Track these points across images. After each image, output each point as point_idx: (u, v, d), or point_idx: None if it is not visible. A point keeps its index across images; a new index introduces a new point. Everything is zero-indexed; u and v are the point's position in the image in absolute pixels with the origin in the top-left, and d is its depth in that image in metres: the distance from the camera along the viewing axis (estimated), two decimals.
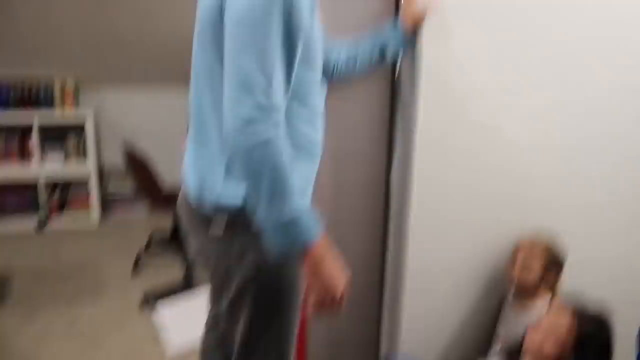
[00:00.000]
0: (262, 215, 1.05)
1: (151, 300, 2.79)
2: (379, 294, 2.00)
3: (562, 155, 1.83)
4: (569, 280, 1.83)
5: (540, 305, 1.81)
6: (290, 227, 1.04)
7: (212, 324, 1.56)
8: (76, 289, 2.93)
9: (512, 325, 1.86)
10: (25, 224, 3.69)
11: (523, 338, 1.63)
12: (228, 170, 1.17)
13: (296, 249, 1.06)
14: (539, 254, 1.77)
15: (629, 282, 2.01)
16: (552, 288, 1.83)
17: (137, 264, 3.21)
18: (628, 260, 1.98)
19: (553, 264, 1.79)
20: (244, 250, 1.20)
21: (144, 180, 3.08)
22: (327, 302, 1.12)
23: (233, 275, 1.24)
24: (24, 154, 3.67)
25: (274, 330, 1.30)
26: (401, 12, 1.63)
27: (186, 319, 2.66)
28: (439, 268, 1.84)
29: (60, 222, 3.79)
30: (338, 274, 1.12)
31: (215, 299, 1.44)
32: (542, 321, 1.56)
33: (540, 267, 1.76)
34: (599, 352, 1.51)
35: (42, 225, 3.69)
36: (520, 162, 1.81)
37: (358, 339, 2.03)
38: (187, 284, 2.98)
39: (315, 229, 1.07)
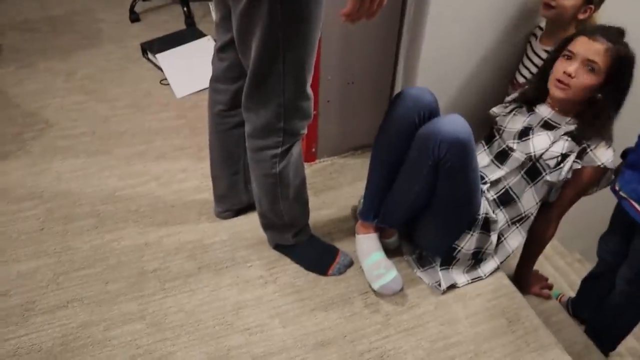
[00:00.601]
0: None
1: (153, 47, 2.60)
2: (397, 32, 1.81)
3: None
4: None
5: None
6: None
7: (220, 59, 1.41)
8: (71, 42, 2.75)
9: (538, 60, 1.75)
10: None
11: (544, 66, 1.55)
12: None
13: None
14: None
15: None
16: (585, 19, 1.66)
17: (132, 10, 2.92)
18: None
19: None
20: None
21: None
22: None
23: None
24: None
25: (292, 48, 1.16)
26: None
27: (190, 65, 2.50)
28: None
29: None
30: None
31: (223, 21, 1.30)
32: (577, 48, 1.42)
33: None
34: (629, 69, 1.41)
35: None
36: None
37: (373, 80, 1.90)
38: (189, 32, 2.77)
39: None
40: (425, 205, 1.48)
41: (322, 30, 1.64)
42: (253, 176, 1.45)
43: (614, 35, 1.40)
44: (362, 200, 1.63)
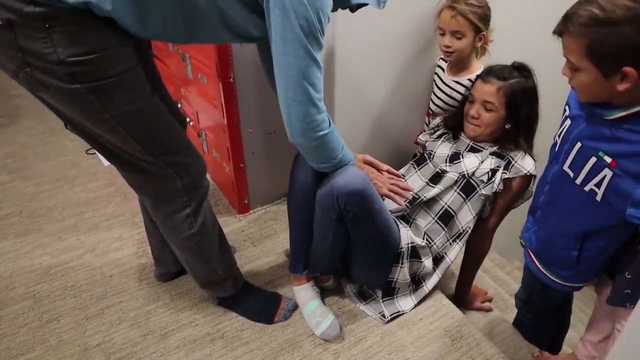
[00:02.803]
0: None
1: None
2: None
3: None
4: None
5: (474, 69, 1.81)
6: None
7: None
8: None
9: (449, 92, 1.88)
10: None
11: (461, 102, 1.70)
12: None
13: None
14: (468, 16, 1.68)
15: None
16: (483, 48, 1.81)
17: None
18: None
19: (483, 21, 1.72)
20: None
21: None
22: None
23: None
24: None
25: (130, 125, 1.21)
26: None
27: None
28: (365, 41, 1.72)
29: None
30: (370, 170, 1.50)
31: None
32: (475, 92, 1.58)
33: (470, 29, 1.71)
34: (527, 100, 1.55)
35: None
36: None
37: None
38: None
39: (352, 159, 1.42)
40: (349, 248, 1.54)
41: (238, 85, 1.73)
42: (173, 245, 1.47)
43: (506, 72, 1.55)
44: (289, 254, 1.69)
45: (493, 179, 1.58)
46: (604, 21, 0.98)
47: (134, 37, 1.13)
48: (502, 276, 2.63)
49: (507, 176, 1.58)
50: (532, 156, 1.60)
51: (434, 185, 1.64)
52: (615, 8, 0.97)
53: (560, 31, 1.07)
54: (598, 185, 1.16)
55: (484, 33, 1.74)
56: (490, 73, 1.56)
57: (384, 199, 1.63)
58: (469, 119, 1.60)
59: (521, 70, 1.56)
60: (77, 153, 2.43)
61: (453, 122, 1.72)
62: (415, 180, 1.70)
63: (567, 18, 1.05)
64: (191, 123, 2.17)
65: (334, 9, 1.19)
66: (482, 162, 1.59)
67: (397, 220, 1.60)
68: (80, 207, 2.10)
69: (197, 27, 1.14)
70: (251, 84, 1.73)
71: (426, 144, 1.75)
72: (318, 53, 1.15)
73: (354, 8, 1.28)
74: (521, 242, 1.53)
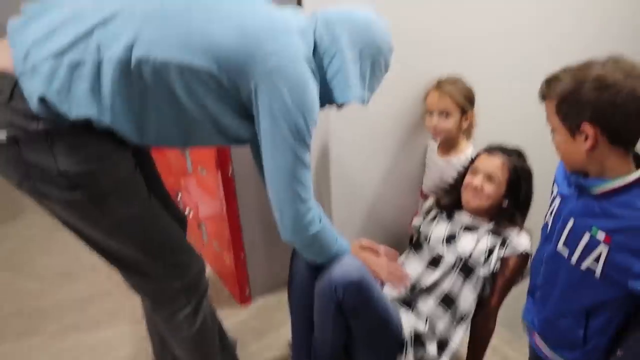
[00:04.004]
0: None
1: None
2: None
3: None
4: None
5: (463, 148, 1.86)
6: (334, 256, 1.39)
7: None
8: None
9: (440, 172, 1.92)
10: None
11: (457, 180, 1.73)
12: None
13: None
14: (454, 96, 1.78)
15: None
16: (470, 129, 1.88)
17: None
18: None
19: (468, 102, 1.80)
20: None
21: None
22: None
23: None
24: None
25: (125, 230, 1.24)
26: None
27: None
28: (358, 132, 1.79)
29: None
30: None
31: None
32: (479, 164, 1.63)
33: (456, 108, 1.79)
34: (527, 179, 1.61)
35: None
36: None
37: None
38: None
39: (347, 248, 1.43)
40: (351, 338, 1.52)
41: (237, 177, 1.77)
42: (174, 343, 1.46)
43: (510, 151, 1.61)
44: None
45: (490, 258, 1.58)
46: (569, 82, 1.08)
47: (132, 144, 1.17)
48: (511, 355, 2.55)
49: (503, 255, 1.58)
50: (527, 233, 1.62)
51: (433, 270, 1.63)
52: (579, 71, 1.07)
53: (542, 95, 1.17)
54: (596, 261, 1.16)
55: (470, 113, 1.81)
56: (496, 149, 1.62)
57: (383, 285, 1.63)
58: (471, 189, 1.62)
59: (519, 154, 1.63)
60: (80, 246, 2.43)
61: (446, 201, 1.74)
62: (414, 265, 1.69)
63: (545, 82, 1.15)
64: (191, 214, 2.20)
65: (321, 107, 1.24)
66: (478, 241, 1.60)
67: (398, 306, 1.59)
68: (82, 303, 2.09)
69: (192, 134, 1.18)
70: (250, 175, 1.77)
71: (421, 228, 1.76)
72: (306, 154, 1.19)
73: (339, 106, 1.33)
74: (524, 324, 1.51)
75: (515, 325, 2.71)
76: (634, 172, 1.09)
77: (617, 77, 1.02)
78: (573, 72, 1.08)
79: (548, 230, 1.32)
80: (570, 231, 1.21)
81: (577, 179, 1.18)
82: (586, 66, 1.08)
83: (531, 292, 1.47)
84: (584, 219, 1.17)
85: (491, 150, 1.62)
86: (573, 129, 1.10)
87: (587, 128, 1.06)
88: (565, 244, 1.24)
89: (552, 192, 1.34)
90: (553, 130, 1.16)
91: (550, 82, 1.13)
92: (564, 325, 1.33)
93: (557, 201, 1.28)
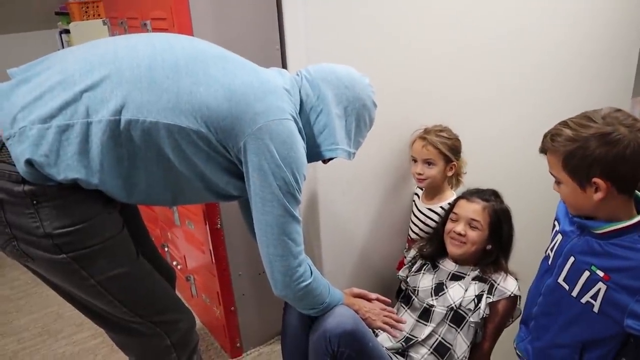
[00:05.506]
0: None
1: None
2: None
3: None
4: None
5: (448, 196, 1.88)
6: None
7: None
8: None
9: (425, 219, 1.94)
10: None
11: (437, 227, 1.76)
12: None
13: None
14: (438, 146, 1.80)
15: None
16: (456, 177, 1.92)
17: None
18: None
19: (453, 152, 1.83)
20: None
21: None
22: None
23: None
24: None
25: (114, 288, 1.25)
26: None
27: None
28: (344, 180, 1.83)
29: None
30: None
31: None
32: (460, 211, 1.64)
33: (440, 158, 1.81)
34: (506, 219, 1.63)
35: None
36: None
37: None
38: None
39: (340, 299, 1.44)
40: None
41: (225, 230, 1.76)
42: None
43: (488, 194, 1.65)
44: None
45: (479, 305, 1.59)
46: (574, 138, 1.11)
47: (120, 203, 1.17)
48: None
49: (491, 300, 1.59)
50: (513, 276, 1.63)
51: (425, 323, 1.63)
52: (582, 127, 1.11)
53: (543, 149, 1.21)
54: (594, 297, 1.19)
55: (455, 163, 1.85)
56: (473, 194, 1.65)
57: (378, 335, 1.62)
58: (455, 236, 1.63)
59: (495, 195, 1.66)
60: (62, 303, 2.34)
61: (430, 250, 1.75)
62: (405, 318, 1.69)
63: (546, 137, 1.18)
64: (179, 267, 2.17)
65: (309, 162, 1.27)
66: (466, 290, 1.61)
67: (392, 357, 1.57)
68: None
69: (181, 192, 1.20)
70: (238, 228, 1.77)
71: (408, 279, 1.77)
72: (296, 209, 1.21)
73: (326, 160, 1.36)
74: (517, 352, 1.51)
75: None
76: (636, 216, 1.15)
77: (622, 132, 1.08)
78: (575, 127, 1.12)
79: (549, 263, 1.35)
80: (571, 267, 1.25)
81: (580, 219, 1.23)
82: (587, 120, 1.12)
83: (525, 322, 1.49)
84: (585, 256, 1.21)
85: (469, 195, 1.65)
86: (583, 183, 1.14)
87: (599, 182, 1.11)
88: (565, 279, 1.27)
89: (554, 226, 1.38)
90: (559, 182, 1.20)
91: (552, 138, 1.16)
92: (559, 356, 1.35)
93: (559, 237, 1.32)
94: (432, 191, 1.91)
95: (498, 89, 2.14)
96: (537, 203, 1.79)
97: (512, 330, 1.58)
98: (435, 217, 1.87)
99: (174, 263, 2.19)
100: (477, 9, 1.94)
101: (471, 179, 1.81)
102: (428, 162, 1.82)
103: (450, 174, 1.86)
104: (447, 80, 1.95)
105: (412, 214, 2.01)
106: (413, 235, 2.00)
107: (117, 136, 1.06)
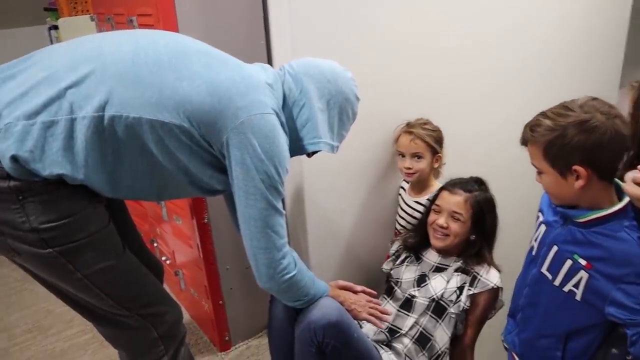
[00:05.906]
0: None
1: None
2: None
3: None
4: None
5: (434, 188, 1.87)
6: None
7: None
8: None
9: (412, 212, 1.95)
10: None
11: (421, 219, 1.77)
12: None
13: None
14: (425, 139, 1.82)
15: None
16: (439, 168, 1.94)
17: None
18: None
19: (438, 143, 1.86)
20: None
21: None
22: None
23: None
24: None
25: (99, 281, 1.26)
26: None
27: None
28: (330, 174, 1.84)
29: None
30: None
31: None
32: (442, 202, 1.65)
33: (428, 150, 1.84)
34: (490, 209, 1.64)
35: None
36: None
37: None
38: None
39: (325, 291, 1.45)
40: None
41: (212, 224, 1.78)
42: None
43: (471, 184, 1.65)
44: None
45: (460, 296, 1.60)
46: (553, 127, 1.14)
47: (106, 198, 1.18)
48: None
49: (472, 292, 1.60)
50: (496, 268, 1.65)
51: (407, 313, 1.65)
52: (560, 116, 1.14)
53: (524, 140, 1.23)
54: (576, 286, 1.22)
55: (440, 154, 1.87)
56: (455, 185, 1.65)
57: (362, 326, 1.64)
58: (437, 228, 1.64)
59: (479, 183, 1.66)
60: (52, 300, 2.34)
61: (413, 242, 1.76)
62: (388, 309, 1.70)
63: (526, 128, 1.21)
64: (168, 262, 2.18)
65: (292, 156, 1.28)
66: (448, 281, 1.62)
67: (377, 346, 1.59)
68: (55, 359, 2.03)
69: (166, 187, 1.21)
70: (226, 222, 1.78)
71: (391, 272, 1.78)
72: (279, 202, 1.23)
73: (310, 154, 1.37)
74: (504, 345, 1.53)
75: (493, 355, 2.73)
76: (617, 203, 1.17)
77: (599, 119, 1.10)
78: (554, 117, 1.15)
79: (533, 254, 1.37)
80: (554, 256, 1.27)
81: (562, 209, 1.25)
82: (565, 109, 1.15)
83: (512, 314, 1.51)
84: (567, 245, 1.24)
85: (452, 187, 1.65)
86: (564, 171, 1.16)
87: (579, 169, 1.13)
88: (549, 268, 1.29)
89: (538, 217, 1.40)
90: (540, 172, 1.22)
91: (532, 129, 1.19)
92: (544, 346, 1.37)
93: (542, 228, 1.34)
94: (419, 184, 1.93)
95: (483, 84, 2.16)
96: (524, 199, 1.81)
97: (501, 323, 1.60)
98: (422, 210, 1.88)
99: (163, 258, 2.20)
100: (463, 5, 1.96)
101: (456, 174, 1.82)
102: (417, 156, 1.83)
103: (436, 165, 1.88)
104: (431, 75, 1.97)
105: (399, 208, 2.03)
106: (400, 228, 2.01)
107: (101, 132, 1.07)
